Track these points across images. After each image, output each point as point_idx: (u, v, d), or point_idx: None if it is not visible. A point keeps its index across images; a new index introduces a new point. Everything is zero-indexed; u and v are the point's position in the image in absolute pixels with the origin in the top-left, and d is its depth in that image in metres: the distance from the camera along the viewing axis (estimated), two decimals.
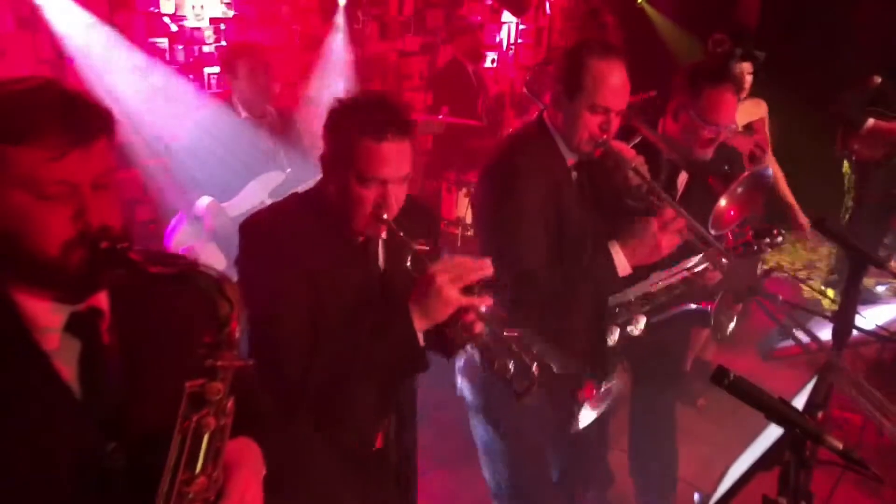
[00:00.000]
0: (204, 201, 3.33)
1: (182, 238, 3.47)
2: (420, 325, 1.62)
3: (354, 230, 1.71)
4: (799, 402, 1.58)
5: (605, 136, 2.11)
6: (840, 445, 1.18)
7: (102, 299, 1.16)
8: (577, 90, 2.10)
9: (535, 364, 1.65)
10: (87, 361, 1.13)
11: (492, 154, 2.31)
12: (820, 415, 1.43)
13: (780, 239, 2.40)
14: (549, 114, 2.25)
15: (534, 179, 2.13)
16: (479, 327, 1.65)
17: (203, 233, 3.37)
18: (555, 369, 1.72)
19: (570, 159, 2.22)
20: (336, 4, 5.51)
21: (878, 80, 4.21)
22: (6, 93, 1.04)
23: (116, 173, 1.13)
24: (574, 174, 2.26)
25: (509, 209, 2.13)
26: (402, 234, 1.67)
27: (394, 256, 1.78)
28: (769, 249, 2.44)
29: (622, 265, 2.12)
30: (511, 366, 1.66)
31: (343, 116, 1.67)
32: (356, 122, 1.63)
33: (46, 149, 1.02)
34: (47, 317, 1.10)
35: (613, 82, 2.09)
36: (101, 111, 1.09)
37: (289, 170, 3.51)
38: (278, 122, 3.59)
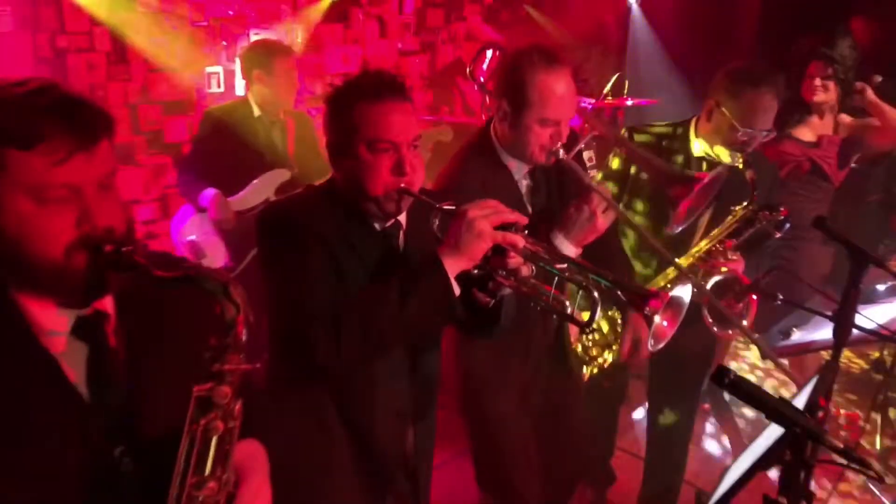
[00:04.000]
0: (209, 192, 3.34)
1: (188, 229, 3.47)
2: (453, 266, 1.57)
3: (374, 215, 1.69)
4: (799, 401, 1.58)
5: (556, 146, 2.10)
6: (840, 445, 1.18)
7: (108, 302, 1.16)
8: (524, 106, 2.07)
9: (594, 289, 1.60)
10: (94, 364, 1.13)
11: (438, 179, 2.26)
12: (820, 414, 1.43)
13: (783, 219, 2.34)
14: (495, 127, 2.21)
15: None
16: (527, 269, 1.62)
17: (207, 224, 3.38)
18: (616, 290, 1.64)
19: (521, 169, 2.20)
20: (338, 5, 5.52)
21: (879, 79, 4.20)
22: (7, 96, 1.04)
23: (117, 174, 1.12)
24: (526, 182, 2.24)
25: None
26: (425, 198, 1.65)
27: (414, 242, 1.77)
28: (776, 232, 2.38)
29: (570, 251, 2.10)
30: (567, 302, 1.62)
31: (339, 94, 1.68)
32: (352, 93, 1.65)
33: (50, 153, 1.01)
34: (53, 320, 1.09)
35: (560, 93, 2.06)
36: (102, 113, 1.08)
37: (296, 170, 3.51)
38: (291, 122, 3.58)
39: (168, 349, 1.20)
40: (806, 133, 3.51)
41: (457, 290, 1.59)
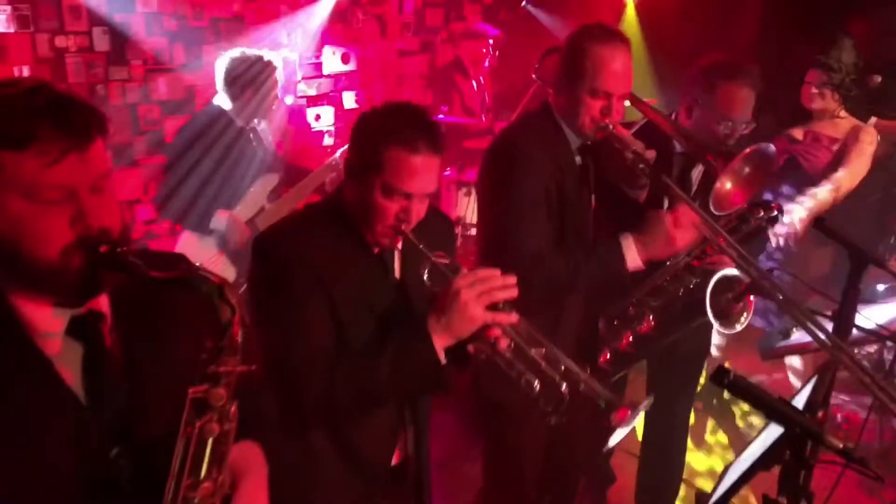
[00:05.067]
0: (223, 217, 3.27)
1: (191, 256, 3.40)
2: (441, 343, 1.57)
3: (370, 241, 1.69)
4: (799, 401, 1.58)
5: (606, 120, 2.11)
6: (840, 445, 1.18)
7: (103, 302, 1.15)
8: (578, 75, 2.11)
9: (563, 383, 1.60)
10: (89, 365, 1.12)
11: (497, 136, 2.32)
12: (820, 414, 1.43)
13: (776, 213, 2.32)
14: (553, 98, 2.25)
15: (535, 159, 2.14)
16: (505, 343, 1.61)
17: (214, 247, 3.31)
18: (583, 388, 1.66)
19: (575, 143, 2.23)
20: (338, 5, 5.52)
21: (878, 79, 4.20)
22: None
23: (112, 175, 1.11)
24: (578, 158, 2.25)
25: (512, 189, 2.14)
26: (420, 246, 1.63)
27: (410, 266, 1.76)
28: (768, 226, 2.37)
29: (633, 259, 2.09)
30: (536, 384, 1.60)
31: (375, 122, 1.64)
32: (388, 131, 1.59)
33: (43, 154, 1.00)
34: (48, 322, 1.09)
35: (615, 67, 2.10)
36: (95, 112, 1.08)
37: (281, 173, 3.50)
38: (272, 128, 3.57)
39: (164, 349, 1.19)
40: (800, 133, 3.52)
41: (443, 360, 1.60)
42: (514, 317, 1.58)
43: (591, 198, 2.30)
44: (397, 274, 1.77)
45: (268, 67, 3.39)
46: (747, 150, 2.12)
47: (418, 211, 1.64)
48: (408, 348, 1.60)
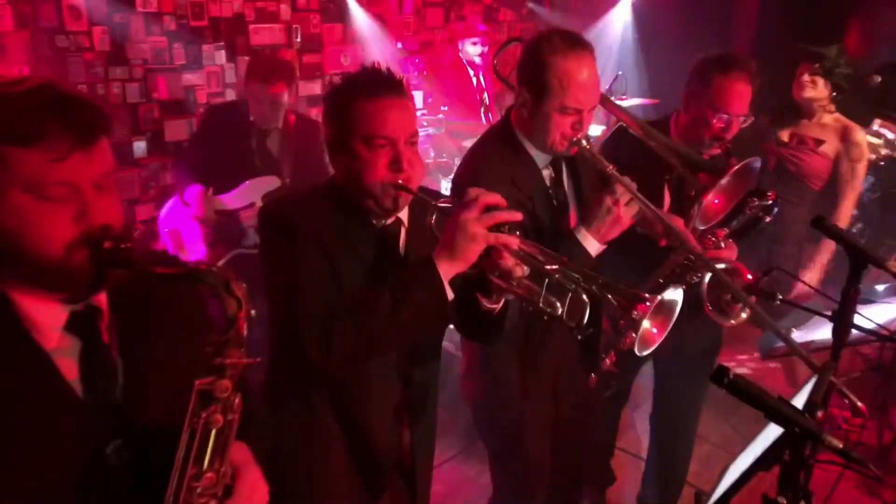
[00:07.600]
0: (195, 189, 3.36)
1: (171, 220, 3.51)
2: (446, 270, 1.55)
3: (373, 211, 1.68)
4: (799, 401, 1.58)
5: (578, 135, 2.02)
6: (840, 444, 1.18)
7: (101, 298, 1.16)
8: (544, 93, 1.99)
9: (583, 293, 1.61)
10: (87, 360, 1.13)
11: (458, 170, 2.20)
12: (819, 414, 1.43)
13: (771, 203, 2.30)
14: (515, 115, 2.14)
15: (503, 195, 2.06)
16: (520, 269, 1.60)
17: (190, 218, 3.41)
18: (605, 294, 1.63)
19: (542, 160, 2.14)
20: (335, 4, 5.52)
21: (878, 79, 4.20)
22: (5, 94, 1.04)
23: (116, 173, 1.13)
24: (548, 172, 2.16)
25: None
26: (421, 194, 1.64)
27: (415, 242, 1.76)
28: (766, 217, 2.35)
29: (593, 246, 2.02)
30: (558, 303, 1.61)
31: (336, 92, 1.68)
32: (349, 90, 1.65)
33: (49, 151, 1.02)
34: (48, 316, 1.10)
35: (582, 80, 1.98)
36: (100, 112, 1.09)
37: (287, 180, 3.49)
38: (289, 131, 3.53)
39: (162, 344, 1.21)
40: (786, 134, 3.51)
41: (450, 295, 1.58)
42: (516, 239, 1.57)
43: (570, 209, 2.21)
44: (402, 250, 1.77)
45: (287, 78, 3.44)
46: (735, 167, 2.08)
47: (410, 159, 1.62)
48: (410, 276, 1.59)
